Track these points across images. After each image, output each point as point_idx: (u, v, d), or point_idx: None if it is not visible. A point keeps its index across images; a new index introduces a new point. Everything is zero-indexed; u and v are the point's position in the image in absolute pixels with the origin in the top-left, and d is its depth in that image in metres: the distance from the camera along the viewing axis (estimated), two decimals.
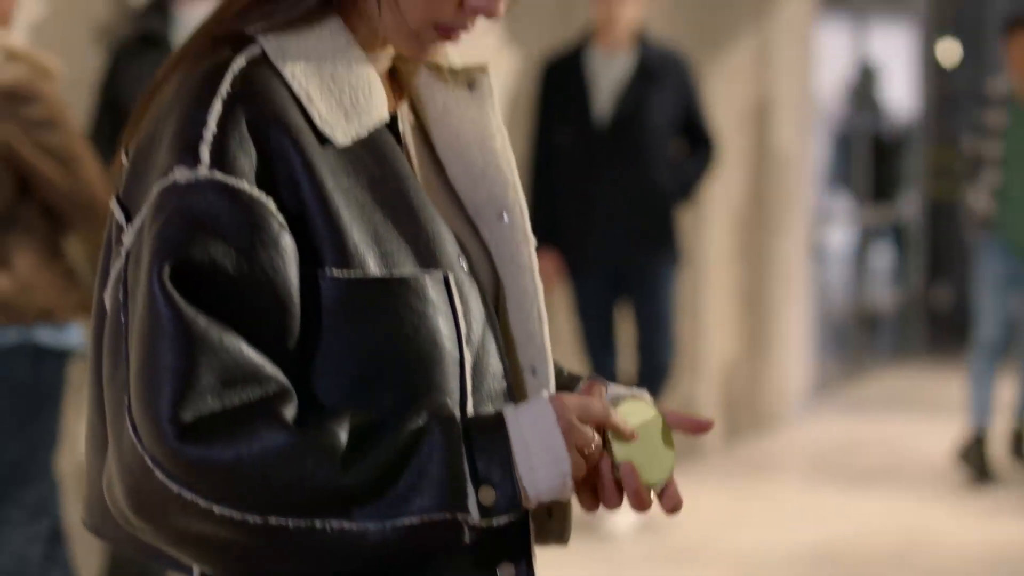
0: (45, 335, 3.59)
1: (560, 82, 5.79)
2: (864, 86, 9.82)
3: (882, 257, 10.39)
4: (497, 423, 1.38)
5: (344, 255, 1.38)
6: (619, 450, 1.43)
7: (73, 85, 4.18)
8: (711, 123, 5.92)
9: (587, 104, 5.72)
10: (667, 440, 1.46)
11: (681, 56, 5.89)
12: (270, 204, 1.35)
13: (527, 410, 1.40)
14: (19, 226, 3.62)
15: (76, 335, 3.65)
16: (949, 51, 10.28)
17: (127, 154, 1.44)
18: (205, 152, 1.34)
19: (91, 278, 3.92)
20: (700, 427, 1.49)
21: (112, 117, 4.27)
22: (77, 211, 3.65)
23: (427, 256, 1.42)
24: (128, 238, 1.39)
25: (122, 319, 1.37)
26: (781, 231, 7.70)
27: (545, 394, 1.45)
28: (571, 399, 1.41)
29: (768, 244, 7.60)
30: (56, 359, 3.62)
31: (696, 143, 5.88)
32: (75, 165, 3.60)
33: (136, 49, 4.29)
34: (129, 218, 1.40)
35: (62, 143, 3.59)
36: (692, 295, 6.75)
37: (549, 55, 5.90)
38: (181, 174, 1.35)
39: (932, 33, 9.98)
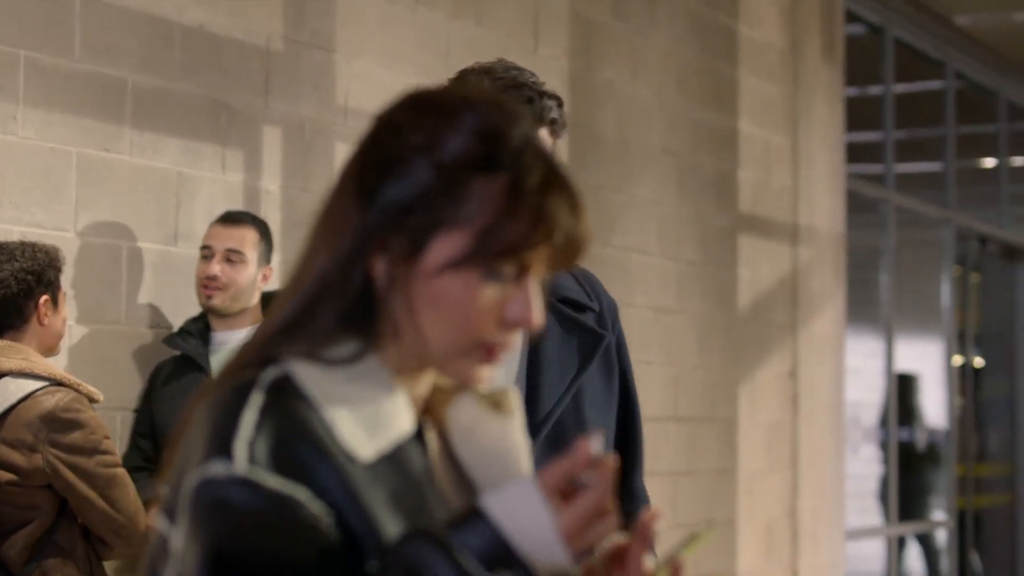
0: None
1: None
2: (902, 397, 9.85)
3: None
4: None
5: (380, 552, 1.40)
6: None
7: (114, 411, 4.27)
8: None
9: None
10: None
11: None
12: (303, 498, 1.38)
13: None
14: (58, 549, 3.66)
15: None
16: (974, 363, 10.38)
17: (167, 475, 1.48)
18: (239, 451, 1.38)
19: None
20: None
21: (149, 438, 4.26)
22: (114, 534, 3.69)
23: None
24: (176, 542, 1.41)
25: None
26: (816, 545, 7.65)
27: None
28: None
29: (800, 559, 7.54)
30: None
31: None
32: (113, 491, 3.66)
33: (174, 370, 4.28)
34: (173, 522, 1.42)
35: (100, 468, 3.66)
36: None
37: None
38: (215, 469, 1.38)
39: (956, 346, 10.05)
